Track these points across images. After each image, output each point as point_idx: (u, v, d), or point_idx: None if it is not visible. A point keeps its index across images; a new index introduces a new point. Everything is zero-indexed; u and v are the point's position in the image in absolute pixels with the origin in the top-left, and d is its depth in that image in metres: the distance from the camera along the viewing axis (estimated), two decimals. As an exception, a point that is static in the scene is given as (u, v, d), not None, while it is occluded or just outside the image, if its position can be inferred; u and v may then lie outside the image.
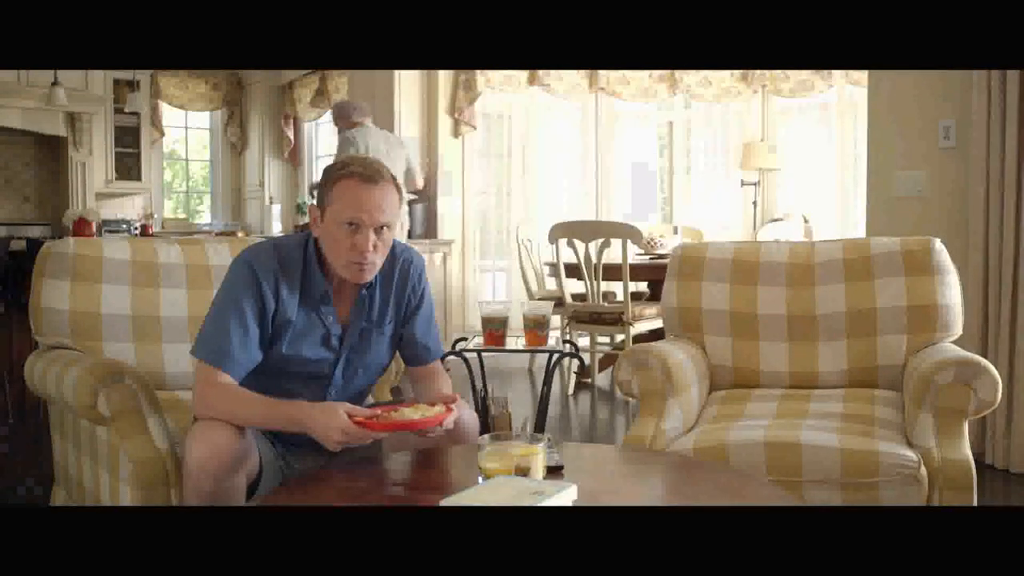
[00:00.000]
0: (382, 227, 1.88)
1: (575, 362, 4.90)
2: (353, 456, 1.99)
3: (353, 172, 1.87)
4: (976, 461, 2.17)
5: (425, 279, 2.12)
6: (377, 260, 1.92)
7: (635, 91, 6.93)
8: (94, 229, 6.01)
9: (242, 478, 1.85)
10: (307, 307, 1.96)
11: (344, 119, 5.46)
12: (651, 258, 5.19)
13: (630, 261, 4.80)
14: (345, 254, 1.88)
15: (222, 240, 2.77)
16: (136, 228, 8.01)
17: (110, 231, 7.61)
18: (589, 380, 5.28)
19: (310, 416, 1.77)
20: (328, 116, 8.39)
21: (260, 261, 1.91)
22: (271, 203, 8.67)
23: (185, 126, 9.33)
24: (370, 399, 2.29)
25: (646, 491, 1.87)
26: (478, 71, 6.53)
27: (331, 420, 1.74)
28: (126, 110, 8.08)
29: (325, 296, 1.97)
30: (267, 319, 1.91)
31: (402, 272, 2.06)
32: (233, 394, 1.85)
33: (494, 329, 2.69)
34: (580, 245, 4.86)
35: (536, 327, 2.71)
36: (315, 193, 2.02)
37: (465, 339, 2.82)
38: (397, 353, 2.19)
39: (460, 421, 1.99)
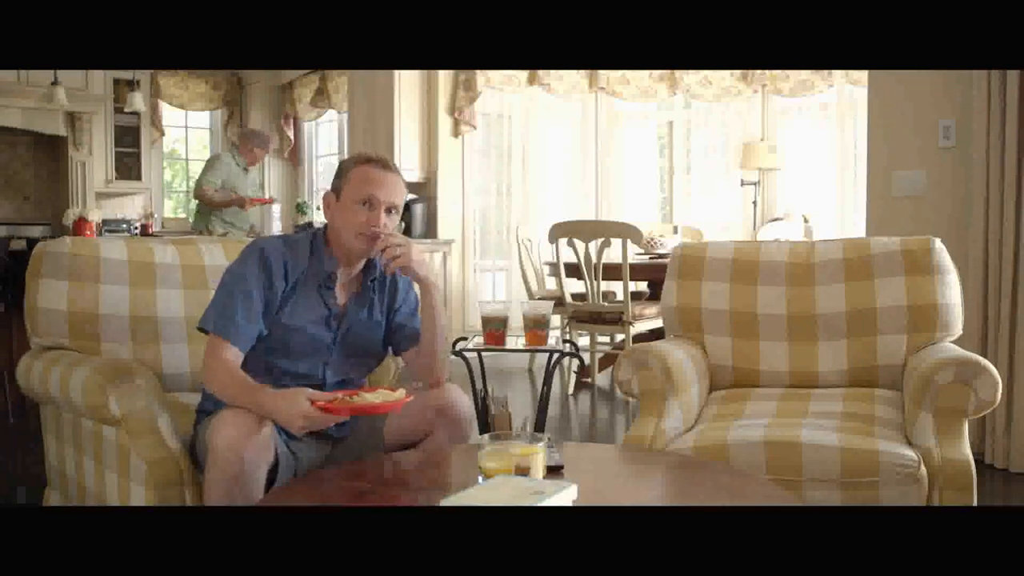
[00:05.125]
0: (391, 209, 2.06)
1: (575, 362, 4.90)
2: (354, 445, 2.07)
3: (370, 159, 2.08)
4: (976, 461, 2.17)
5: (414, 288, 2.24)
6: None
7: (635, 91, 6.93)
8: (94, 229, 6.01)
9: (265, 462, 1.90)
10: (311, 286, 2.07)
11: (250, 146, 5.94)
12: (651, 258, 5.19)
13: (630, 261, 4.80)
14: (359, 227, 2.03)
15: (215, 240, 2.77)
16: (136, 228, 8.01)
17: (110, 231, 7.60)
18: (589, 380, 5.28)
19: (271, 402, 1.85)
20: (329, 115, 8.43)
21: (269, 244, 2.06)
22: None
23: (185, 126, 9.32)
24: None
25: (646, 491, 1.87)
26: (478, 71, 6.53)
27: (293, 406, 1.82)
28: (126, 110, 8.07)
29: (330, 279, 2.09)
30: (274, 293, 2.02)
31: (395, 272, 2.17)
32: (226, 371, 1.94)
33: (494, 329, 2.70)
34: (580, 245, 4.86)
35: (536, 327, 2.72)
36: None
37: (465, 339, 2.83)
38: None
39: (454, 406, 2.10)
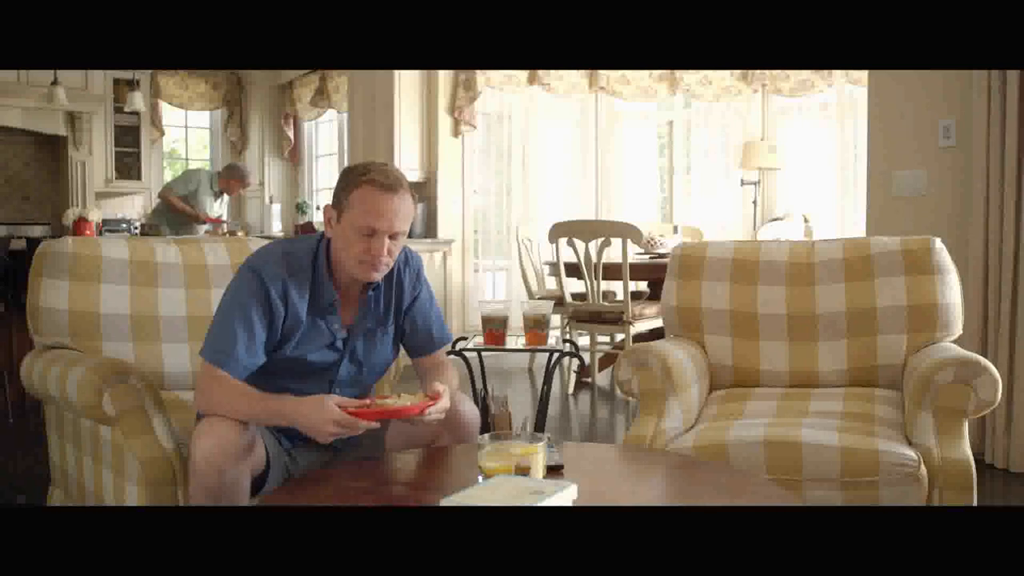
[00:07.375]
0: (395, 235, 1.93)
1: (575, 361, 4.90)
2: (357, 454, 2.02)
3: (373, 179, 1.90)
4: (976, 461, 2.17)
5: (424, 276, 2.17)
6: (390, 262, 1.97)
7: (635, 91, 6.93)
8: (94, 229, 6.00)
9: (247, 472, 1.87)
10: (313, 314, 1.99)
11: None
12: (651, 257, 5.19)
13: (630, 260, 4.80)
14: (359, 255, 1.92)
15: (219, 240, 2.78)
16: (136, 228, 8.00)
17: (110, 231, 7.59)
18: (589, 379, 5.28)
19: (297, 410, 1.79)
20: (329, 115, 8.43)
21: (268, 269, 1.94)
22: (271, 202, 8.67)
23: (185, 125, 9.32)
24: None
25: (646, 491, 1.87)
26: (478, 71, 6.52)
27: (322, 413, 1.76)
28: (126, 110, 8.06)
29: (332, 306, 2.01)
30: (276, 324, 1.94)
31: (399, 272, 2.11)
32: (229, 387, 1.87)
33: (494, 328, 2.70)
34: (580, 244, 4.86)
35: (536, 326, 2.72)
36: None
37: (465, 339, 2.83)
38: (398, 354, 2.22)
39: (460, 414, 2.04)
